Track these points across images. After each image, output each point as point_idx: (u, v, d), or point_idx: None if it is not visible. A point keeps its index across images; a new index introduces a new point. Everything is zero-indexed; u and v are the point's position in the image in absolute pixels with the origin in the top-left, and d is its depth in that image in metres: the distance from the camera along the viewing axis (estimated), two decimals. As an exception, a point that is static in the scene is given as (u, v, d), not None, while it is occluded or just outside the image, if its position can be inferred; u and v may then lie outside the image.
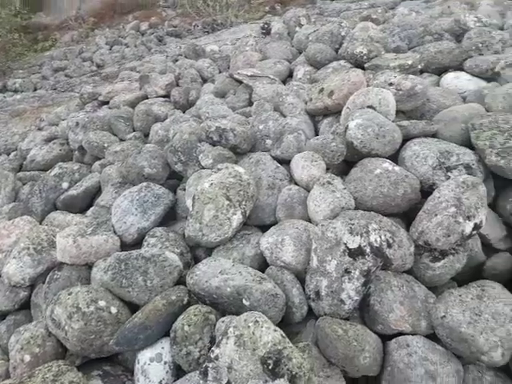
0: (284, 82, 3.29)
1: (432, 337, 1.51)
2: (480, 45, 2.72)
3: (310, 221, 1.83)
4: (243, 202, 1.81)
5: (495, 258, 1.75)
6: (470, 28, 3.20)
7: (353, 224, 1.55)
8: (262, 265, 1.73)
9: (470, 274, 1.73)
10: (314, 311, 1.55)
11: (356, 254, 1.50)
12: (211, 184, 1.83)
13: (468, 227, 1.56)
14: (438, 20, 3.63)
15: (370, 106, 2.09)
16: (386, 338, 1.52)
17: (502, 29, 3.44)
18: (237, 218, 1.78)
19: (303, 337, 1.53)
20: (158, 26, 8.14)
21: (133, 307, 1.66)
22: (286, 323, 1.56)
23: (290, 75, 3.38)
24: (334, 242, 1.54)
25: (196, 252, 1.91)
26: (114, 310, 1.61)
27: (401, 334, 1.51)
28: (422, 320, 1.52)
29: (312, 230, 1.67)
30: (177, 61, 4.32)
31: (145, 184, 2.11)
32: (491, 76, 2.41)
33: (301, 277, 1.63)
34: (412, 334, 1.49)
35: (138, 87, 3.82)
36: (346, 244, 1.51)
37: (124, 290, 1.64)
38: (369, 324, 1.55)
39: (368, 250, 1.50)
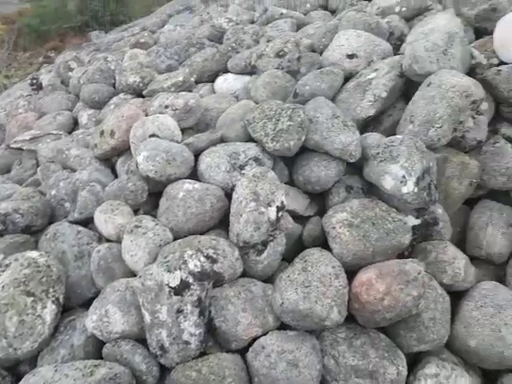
0: (71, 132, 3.04)
1: (282, 326, 1.56)
2: (234, 44, 2.96)
3: (135, 275, 1.69)
4: (51, 290, 1.57)
5: (308, 225, 1.90)
6: (226, 29, 3.47)
7: (168, 261, 1.48)
8: (99, 345, 1.53)
9: (296, 250, 1.84)
10: (166, 366, 1.44)
11: (181, 289, 1.44)
12: (3, 287, 1.53)
13: (272, 213, 1.66)
14: (200, 29, 3.84)
15: (152, 135, 2.05)
16: (246, 351, 1.51)
17: (252, 22, 3.82)
18: (49, 311, 1.53)
19: (165, 399, 1.42)
20: None
21: None
22: (143, 395, 1.41)
23: (77, 123, 3.14)
24: (157, 288, 1.45)
25: (20, 368, 1.59)
26: None
27: (256, 339, 1.52)
28: (268, 315, 1.55)
29: (133, 285, 1.55)
30: None
31: None
32: (251, 70, 2.62)
33: (142, 338, 1.50)
34: (265, 334, 1.52)
35: None
36: (168, 285, 1.44)
37: None
38: (224, 346, 1.52)
39: (191, 279, 1.46)
